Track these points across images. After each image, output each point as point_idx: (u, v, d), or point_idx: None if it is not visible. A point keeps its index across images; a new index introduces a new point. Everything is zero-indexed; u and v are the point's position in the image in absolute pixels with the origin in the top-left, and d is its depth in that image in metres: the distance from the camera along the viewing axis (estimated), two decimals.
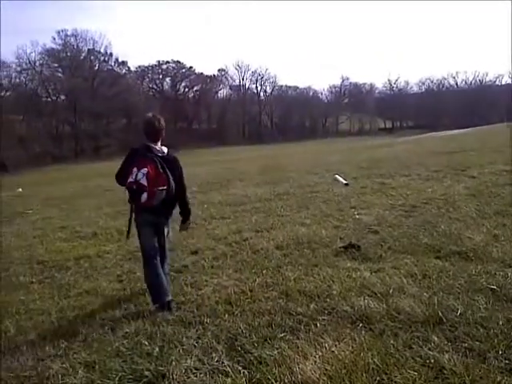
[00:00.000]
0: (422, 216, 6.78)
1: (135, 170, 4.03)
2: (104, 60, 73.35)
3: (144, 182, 4.00)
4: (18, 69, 64.94)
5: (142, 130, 4.33)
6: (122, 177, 4.20)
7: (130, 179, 4.04)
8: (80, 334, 3.70)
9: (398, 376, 2.67)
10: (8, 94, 62.97)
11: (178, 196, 4.27)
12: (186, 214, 4.47)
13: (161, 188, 4.06)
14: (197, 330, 3.55)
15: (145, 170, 4.01)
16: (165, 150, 4.28)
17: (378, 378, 2.68)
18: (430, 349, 2.93)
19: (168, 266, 4.54)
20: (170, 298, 4.11)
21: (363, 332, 3.24)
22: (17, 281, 5.53)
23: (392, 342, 3.05)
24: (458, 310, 3.41)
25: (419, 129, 76.45)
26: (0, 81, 60.19)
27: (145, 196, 4.02)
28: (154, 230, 4.27)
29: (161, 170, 4.09)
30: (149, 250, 4.23)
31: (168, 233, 4.42)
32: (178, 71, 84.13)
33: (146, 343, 3.38)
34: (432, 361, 2.79)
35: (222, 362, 3.02)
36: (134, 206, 4.21)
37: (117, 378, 2.94)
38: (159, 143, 4.29)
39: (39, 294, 4.90)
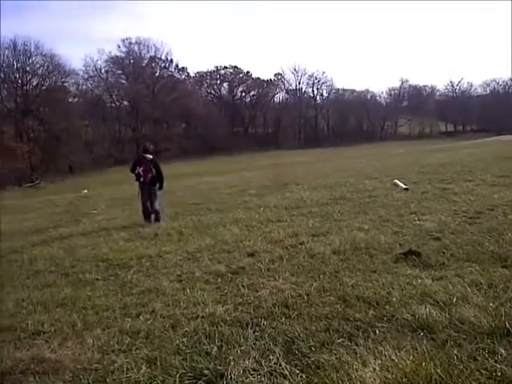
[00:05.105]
0: (487, 223, 6.49)
1: (138, 167, 9.78)
2: (165, 66, 75.64)
3: (141, 173, 9.73)
4: (86, 76, 68.62)
5: (142, 149, 10.71)
6: (132, 169, 9.91)
7: (136, 171, 9.78)
8: (142, 330, 3.83)
9: None
10: (76, 100, 66.34)
11: (157, 178, 9.84)
12: (161, 185, 10.03)
13: (149, 175, 9.74)
14: (254, 332, 3.58)
15: (142, 168, 9.73)
16: (150, 157, 9.99)
17: None
18: (496, 361, 2.80)
19: (153, 210, 9.82)
20: (152, 217, 9.86)
21: (425, 341, 3.14)
22: (83, 277, 5.79)
23: (456, 352, 2.94)
24: None
25: (483, 132, 72.96)
26: (69, 88, 63.48)
27: (142, 179, 9.76)
28: (148, 193, 9.81)
29: (149, 168, 9.73)
30: (144, 201, 9.83)
31: (156, 194, 9.92)
32: (236, 76, 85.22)
33: (205, 342, 3.46)
34: (499, 374, 2.67)
35: (280, 365, 3.03)
36: (139, 183, 9.84)
37: (177, 375, 3.02)
38: (148, 154, 10.04)
39: (104, 291, 5.11)
